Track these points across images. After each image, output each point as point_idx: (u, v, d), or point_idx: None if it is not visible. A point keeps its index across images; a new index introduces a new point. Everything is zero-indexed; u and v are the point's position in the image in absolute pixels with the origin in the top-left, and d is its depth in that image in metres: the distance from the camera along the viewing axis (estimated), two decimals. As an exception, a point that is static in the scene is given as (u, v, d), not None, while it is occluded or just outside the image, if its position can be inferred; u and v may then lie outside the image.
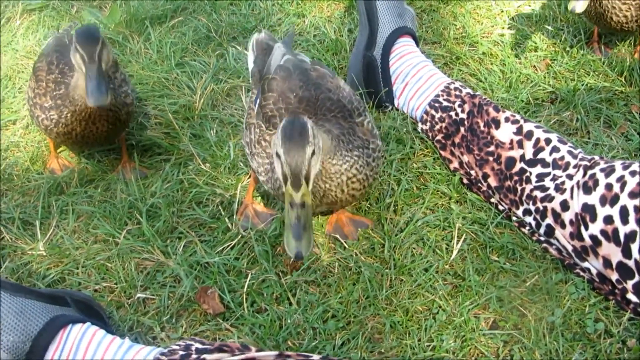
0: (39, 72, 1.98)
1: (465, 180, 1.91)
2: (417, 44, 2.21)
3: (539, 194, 1.71)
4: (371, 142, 1.66)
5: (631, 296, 1.55)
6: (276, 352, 1.43)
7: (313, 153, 1.39)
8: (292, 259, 1.63)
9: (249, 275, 1.73)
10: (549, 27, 2.42)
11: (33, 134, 2.26)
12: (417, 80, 2.08)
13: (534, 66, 2.29)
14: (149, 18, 2.68)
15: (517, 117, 1.85)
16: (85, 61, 1.75)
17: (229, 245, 1.81)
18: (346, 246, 1.79)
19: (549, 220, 1.69)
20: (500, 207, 1.83)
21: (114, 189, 2.03)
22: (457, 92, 1.98)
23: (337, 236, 1.81)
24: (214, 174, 2.01)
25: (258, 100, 1.75)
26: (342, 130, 1.61)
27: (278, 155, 1.39)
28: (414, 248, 1.78)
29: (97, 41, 1.76)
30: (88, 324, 1.53)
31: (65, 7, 2.90)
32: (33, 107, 1.96)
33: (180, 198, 1.96)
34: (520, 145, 1.80)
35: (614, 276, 1.56)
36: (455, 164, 1.93)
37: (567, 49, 2.31)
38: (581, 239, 1.60)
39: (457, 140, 1.92)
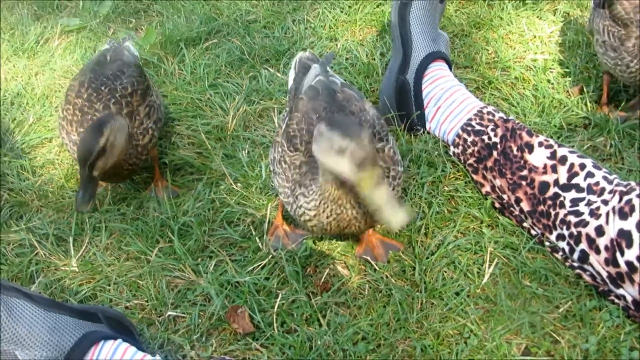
0: (69, 91, 2.00)
1: (497, 205, 1.90)
2: (450, 68, 2.21)
3: (573, 218, 1.69)
4: (392, 169, 1.67)
5: (668, 325, 1.52)
6: (306, 373, 1.43)
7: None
8: (321, 281, 1.62)
9: (279, 295, 1.73)
10: (582, 53, 2.41)
11: (68, 153, 2.30)
12: (449, 104, 2.08)
13: (567, 91, 2.28)
14: (183, 40, 2.72)
15: (551, 141, 1.84)
16: (78, 164, 1.79)
17: (259, 265, 1.82)
18: (377, 268, 1.79)
19: (583, 245, 1.67)
20: (533, 232, 1.81)
21: (146, 207, 2.05)
22: (490, 116, 1.98)
23: (368, 258, 1.81)
24: (246, 194, 2.02)
25: (286, 119, 1.77)
26: None
27: (341, 152, 1.40)
28: (445, 271, 1.77)
29: (91, 152, 1.76)
30: (120, 340, 1.54)
31: (102, 29, 2.96)
32: (60, 128, 1.99)
33: (212, 217, 1.98)
34: (554, 169, 1.78)
35: (651, 304, 1.53)
36: (487, 188, 1.92)
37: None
38: (616, 265, 1.58)
39: (489, 164, 1.91)
